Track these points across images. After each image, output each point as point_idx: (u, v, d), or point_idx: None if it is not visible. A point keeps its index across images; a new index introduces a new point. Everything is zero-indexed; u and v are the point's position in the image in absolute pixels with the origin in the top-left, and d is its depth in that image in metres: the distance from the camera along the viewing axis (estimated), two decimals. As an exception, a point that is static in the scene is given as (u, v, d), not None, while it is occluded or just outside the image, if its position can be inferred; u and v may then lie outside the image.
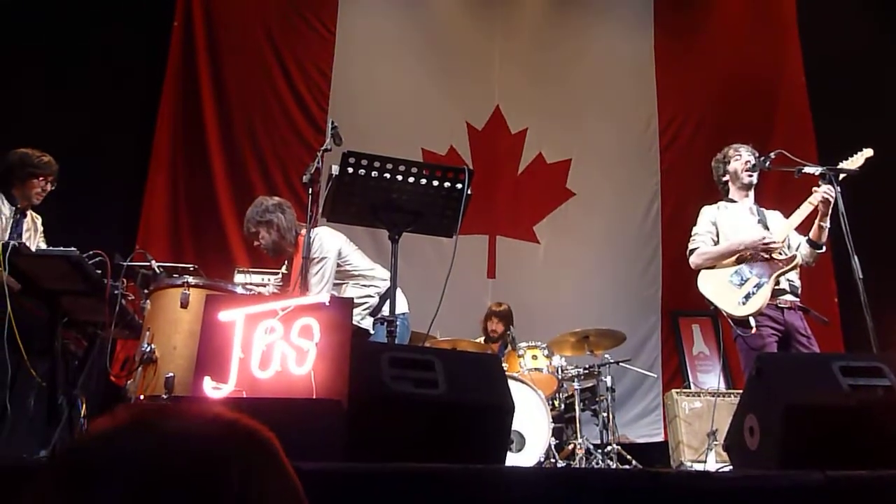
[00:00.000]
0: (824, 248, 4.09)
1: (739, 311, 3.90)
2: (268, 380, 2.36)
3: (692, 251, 4.23)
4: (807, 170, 3.95)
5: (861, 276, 3.53)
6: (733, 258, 4.08)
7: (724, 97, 7.66)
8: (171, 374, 2.95)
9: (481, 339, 5.94)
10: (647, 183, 7.61)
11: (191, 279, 3.20)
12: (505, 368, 5.38)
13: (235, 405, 2.06)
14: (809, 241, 4.07)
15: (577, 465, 5.05)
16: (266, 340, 2.44)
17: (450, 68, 7.74)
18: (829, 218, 3.95)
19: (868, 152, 4.05)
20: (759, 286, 3.92)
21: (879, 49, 6.99)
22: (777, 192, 7.04)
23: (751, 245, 4.02)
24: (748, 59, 7.77)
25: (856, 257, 3.59)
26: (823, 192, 3.87)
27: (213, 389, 2.30)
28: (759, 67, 7.75)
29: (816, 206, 3.95)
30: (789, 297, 4.00)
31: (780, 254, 4.03)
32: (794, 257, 4.00)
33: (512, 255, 7.37)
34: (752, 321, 3.88)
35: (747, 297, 3.91)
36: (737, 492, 2.02)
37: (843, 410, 2.46)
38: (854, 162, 4.04)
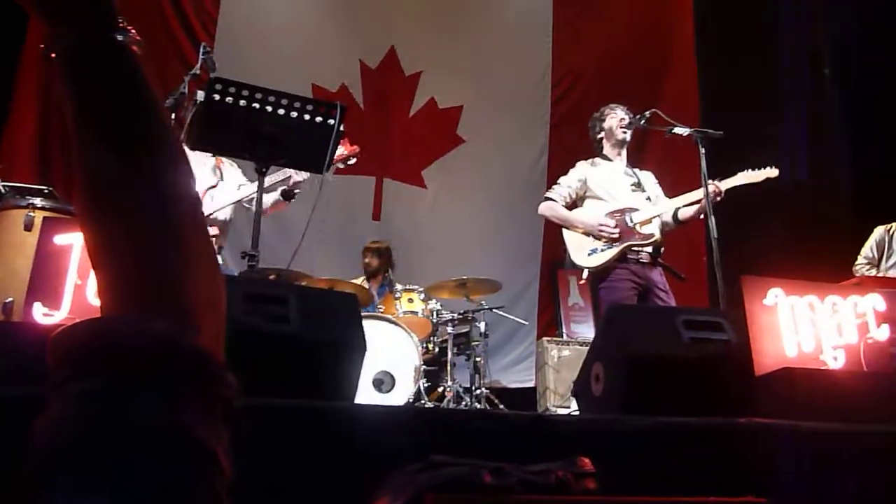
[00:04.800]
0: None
1: (582, 262, 4.15)
2: (105, 308, 2.25)
3: (547, 198, 4.40)
4: (677, 130, 4.09)
5: (716, 236, 3.70)
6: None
7: (618, 57, 7.76)
8: (10, 299, 2.79)
9: (360, 280, 5.91)
10: (537, 135, 7.67)
11: (37, 201, 3.02)
12: (381, 310, 5.43)
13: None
14: (675, 218, 4.27)
15: (444, 407, 5.15)
16: (107, 267, 2.30)
17: (346, 4, 7.53)
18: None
19: (773, 173, 4.18)
20: (609, 248, 4.12)
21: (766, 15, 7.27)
22: (662, 152, 7.29)
23: (588, 227, 4.20)
24: (643, 22, 7.88)
25: (713, 218, 3.76)
26: (714, 192, 3.99)
27: (44, 316, 2.18)
28: (653, 31, 7.88)
29: (702, 200, 4.09)
30: (648, 252, 4.18)
31: (642, 228, 4.21)
32: (651, 235, 4.17)
33: (398, 198, 7.33)
34: (584, 273, 4.20)
35: (594, 251, 4.12)
36: (570, 433, 2.09)
37: (682, 361, 2.58)
38: (754, 176, 4.18)
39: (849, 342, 2.54)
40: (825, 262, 4.92)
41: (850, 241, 5.91)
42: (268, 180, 4.15)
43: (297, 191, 4.30)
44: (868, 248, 5.46)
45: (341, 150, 4.56)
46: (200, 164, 4.13)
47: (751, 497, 1.78)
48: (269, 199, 4.18)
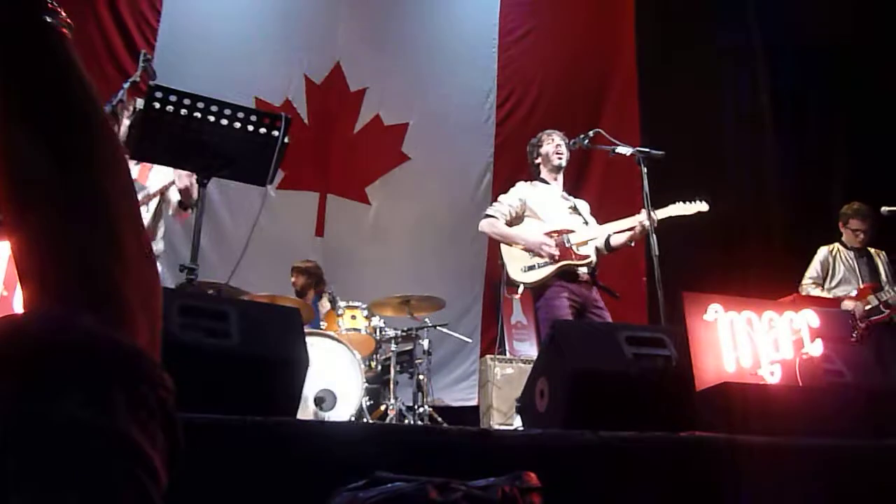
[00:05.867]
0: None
1: (518, 277, 4.23)
2: (35, 321, 2.16)
3: (487, 215, 4.45)
4: (620, 150, 4.16)
5: (657, 254, 3.76)
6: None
7: (562, 78, 7.90)
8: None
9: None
10: (482, 154, 7.73)
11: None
12: (323, 327, 5.36)
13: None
14: (607, 244, 4.36)
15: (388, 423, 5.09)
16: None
17: (291, 18, 7.46)
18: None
19: (703, 207, 4.30)
20: (546, 265, 4.18)
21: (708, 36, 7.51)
22: (603, 173, 7.41)
23: (529, 243, 4.25)
24: (586, 44, 8.04)
25: (654, 236, 3.82)
26: (644, 222, 4.09)
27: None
28: (596, 53, 8.04)
29: (634, 228, 4.19)
30: (585, 272, 4.25)
31: (579, 249, 4.28)
32: (587, 257, 4.25)
33: (342, 214, 7.27)
34: (520, 289, 4.29)
35: (531, 267, 4.17)
36: (514, 449, 2.08)
37: (625, 377, 2.60)
38: (685, 208, 4.29)
39: (785, 357, 2.60)
40: (759, 280, 5.05)
41: (783, 260, 6.10)
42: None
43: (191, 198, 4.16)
44: (813, 269, 5.67)
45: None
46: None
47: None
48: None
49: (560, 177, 4.59)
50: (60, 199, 0.64)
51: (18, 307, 2.18)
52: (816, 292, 5.51)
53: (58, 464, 0.50)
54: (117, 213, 0.66)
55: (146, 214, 4.12)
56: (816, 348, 2.58)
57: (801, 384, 2.57)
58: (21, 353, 0.54)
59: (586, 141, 4.37)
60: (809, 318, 2.65)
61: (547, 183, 4.57)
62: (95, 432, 0.52)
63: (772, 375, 2.58)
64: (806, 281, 5.65)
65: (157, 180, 4.20)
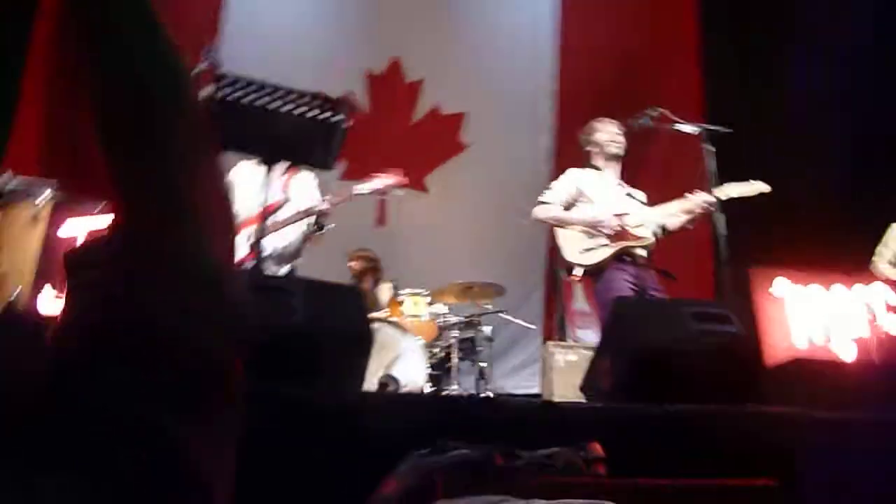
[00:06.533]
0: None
1: (576, 259, 4.17)
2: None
3: (541, 202, 4.38)
4: (684, 128, 4.08)
5: (725, 233, 3.69)
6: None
7: (622, 60, 7.76)
8: (17, 288, 2.79)
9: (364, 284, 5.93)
10: (540, 140, 7.68)
11: (45, 193, 3.03)
12: (386, 314, 5.42)
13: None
14: (664, 228, 4.30)
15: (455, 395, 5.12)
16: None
17: (350, 13, 7.57)
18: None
19: (764, 188, 4.20)
20: (604, 246, 4.12)
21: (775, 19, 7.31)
22: (666, 153, 7.28)
23: (587, 223, 4.19)
24: (647, 25, 7.90)
25: (722, 215, 3.75)
26: (704, 202, 4.01)
27: (55, 298, 2.18)
28: (656, 34, 7.89)
29: (693, 210, 4.11)
30: (642, 253, 4.20)
31: (637, 231, 4.22)
32: (646, 238, 4.20)
33: (402, 204, 7.31)
34: (578, 270, 4.17)
35: (590, 249, 4.11)
36: (581, 422, 2.08)
37: (691, 354, 2.57)
38: (745, 189, 4.18)
39: (860, 334, 2.53)
40: (823, 257, 4.88)
41: (845, 238, 5.86)
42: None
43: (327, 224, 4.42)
44: (889, 251, 5.22)
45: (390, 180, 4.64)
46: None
47: (763, 479, 1.77)
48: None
49: (615, 165, 4.52)
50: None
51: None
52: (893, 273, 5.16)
53: (103, 442, 0.53)
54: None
55: (294, 234, 4.38)
56: (891, 322, 2.50)
57: (876, 360, 2.50)
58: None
59: (649, 121, 4.30)
60: (884, 292, 2.57)
61: (600, 170, 4.52)
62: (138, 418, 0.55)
63: (846, 351, 2.51)
64: (879, 260, 5.25)
65: (300, 193, 4.42)
